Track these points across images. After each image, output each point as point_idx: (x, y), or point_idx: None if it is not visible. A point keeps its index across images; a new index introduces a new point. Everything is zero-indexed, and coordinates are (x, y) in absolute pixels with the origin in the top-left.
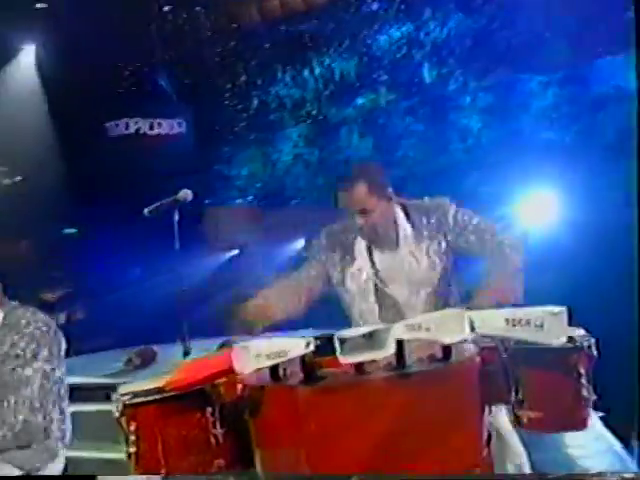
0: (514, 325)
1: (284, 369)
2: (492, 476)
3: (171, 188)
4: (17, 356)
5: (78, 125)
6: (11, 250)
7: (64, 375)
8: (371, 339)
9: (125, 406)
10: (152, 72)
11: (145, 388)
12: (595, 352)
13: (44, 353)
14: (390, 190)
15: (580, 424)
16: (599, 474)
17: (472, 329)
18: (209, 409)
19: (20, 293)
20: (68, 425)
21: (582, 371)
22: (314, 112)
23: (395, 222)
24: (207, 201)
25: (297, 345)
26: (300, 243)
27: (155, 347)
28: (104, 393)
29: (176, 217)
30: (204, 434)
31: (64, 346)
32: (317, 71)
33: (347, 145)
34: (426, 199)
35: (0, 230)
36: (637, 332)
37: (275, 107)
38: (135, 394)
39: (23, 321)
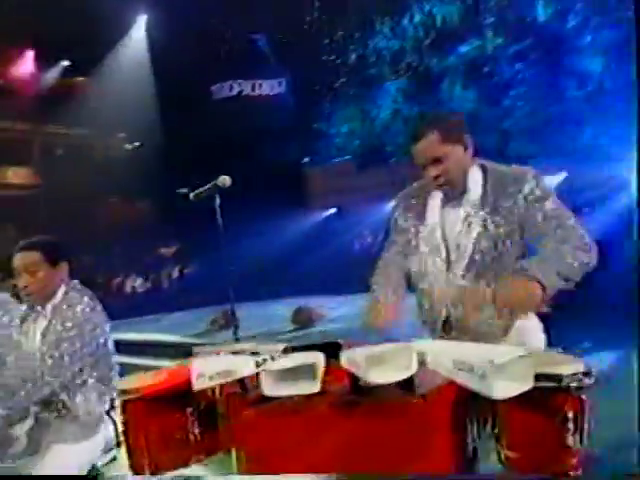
0: (459, 369)
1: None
2: (492, 476)
3: (273, 147)
4: (64, 330)
5: (185, 90)
6: (133, 209)
7: (109, 355)
8: (305, 370)
9: (116, 399)
10: (252, 34)
11: (128, 387)
12: (586, 396)
13: (88, 333)
14: (468, 138)
15: (563, 474)
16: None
17: (422, 364)
18: (189, 409)
19: (140, 248)
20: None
21: (569, 415)
22: (414, 63)
23: (467, 178)
24: (306, 159)
25: (246, 364)
26: None
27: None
28: (185, 351)
29: (217, 201)
30: (184, 432)
31: (108, 327)
32: (417, 19)
33: (449, 98)
34: (505, 167)
35: (123, 191)
36: None
37: (374, 60)
38: (122, 391)
39: (75, 300)
